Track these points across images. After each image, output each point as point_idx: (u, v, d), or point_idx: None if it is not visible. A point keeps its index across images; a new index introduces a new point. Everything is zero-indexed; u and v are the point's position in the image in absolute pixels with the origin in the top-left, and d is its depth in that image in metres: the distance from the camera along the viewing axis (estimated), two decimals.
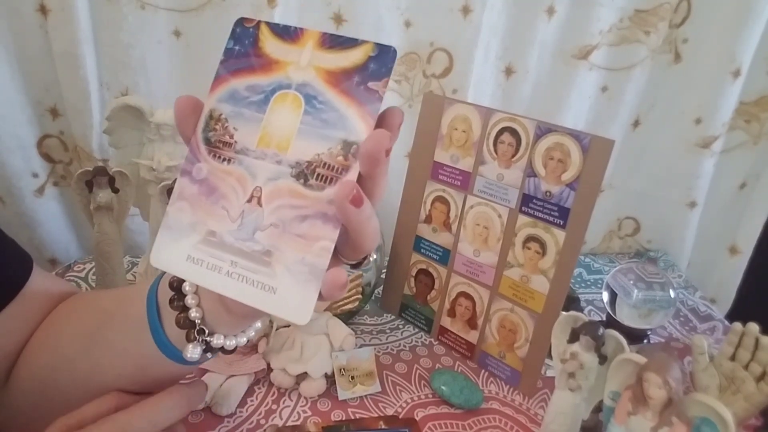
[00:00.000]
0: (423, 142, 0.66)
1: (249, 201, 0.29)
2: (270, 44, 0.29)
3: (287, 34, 0.29)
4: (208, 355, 0.36)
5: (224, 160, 0.29)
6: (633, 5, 0.77)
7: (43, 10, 0.64)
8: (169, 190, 0.61)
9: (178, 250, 0.29)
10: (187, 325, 0.35)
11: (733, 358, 0.51)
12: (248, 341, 0.38)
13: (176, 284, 0.35)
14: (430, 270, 0.69)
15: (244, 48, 0.30)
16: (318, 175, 0.28)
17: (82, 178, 0.61)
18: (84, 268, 0.77)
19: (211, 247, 0.29)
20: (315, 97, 0.28)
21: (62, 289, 0.47)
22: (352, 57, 0.28)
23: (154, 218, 0.68)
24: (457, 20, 0.73)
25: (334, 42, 0.29)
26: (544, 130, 0.58)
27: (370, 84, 0.28)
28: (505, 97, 0.81)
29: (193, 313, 0.34)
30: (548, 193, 0.58)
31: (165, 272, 0.37)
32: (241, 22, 0.30)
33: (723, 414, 0.39)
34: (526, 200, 0.60)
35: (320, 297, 0.28)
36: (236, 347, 0.37)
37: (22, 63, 0.67)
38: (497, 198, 0.62)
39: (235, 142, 0.29)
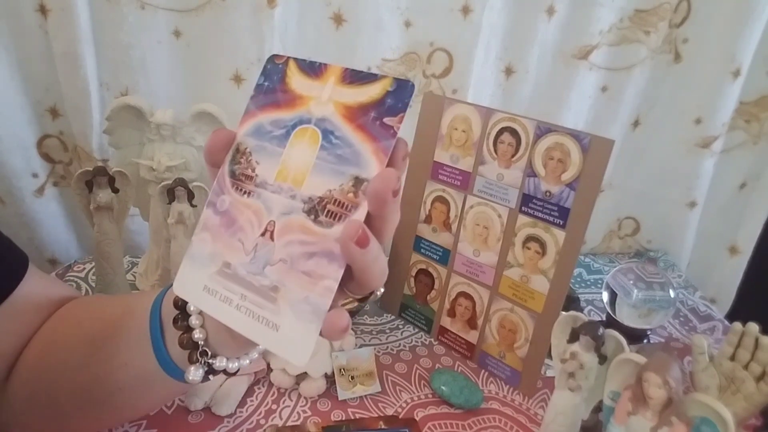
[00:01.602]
0: (423, 142, 0.66)
1: (263, 234, 0.29)
2: (296, 80, 0.30)
3: (312, 70, 0.30)
4: (210, 377, 0.36)
5: (245, 193, 0.29)
6: (633, 5, 0.77)
7: (43, 10, 0.64)
8: (170, 191, 0.61)
9: (198, 279, 0.30)
10: (190, 346, 0.34)
11: (732, 358, 0.51)
12: (250, 362, 0.37)
13: (180, 303, 0.35)
14: (430, 270, 0.69)
15: (273, 84, 0.30)
16: (328, 211, 0.27)
17: (82, 178, 0.61)
18: (84, 268, 0.77)
19: (225, 278, 0.29)
20: (332, 132, 0.28)
21: (62, 293, 0.46)
22: (371, 92, 0.28)
23: (154, 218, 0.68)
24: (457, 20, 0.73)
25: (355, 77, 0.28)
26: (544, 130, 0.58)
27: (386, 120, 0.27)
28: (505, 97, 0.81)
29: (197, 335, 0.34)
30: (548, 193, 0.58)
31: (170, 287, 0.37)
32: (272, 59, 0.31)
33: (723, 414, 0.39)
34: (526, 200, 0.60)
35: (321, 336, 0.27)
36: (238, 370, 0.36)
37: (22, 63, 0.67)
38: (497, 198, 0.62)
39: (256, 175, 0.29)
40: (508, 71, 0.79)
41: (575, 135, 0.56)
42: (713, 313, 0.82)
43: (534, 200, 0.59)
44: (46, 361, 0.42)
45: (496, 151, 0.61)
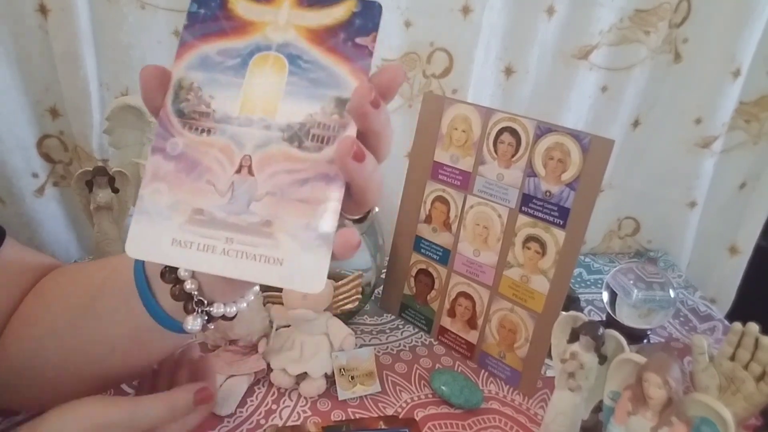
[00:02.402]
0: (423, 142, 0.66)
1: (238, 171, 0.27)
2: (241, 5, 0.28)
3: None
4: (210, 325, 0.35)
5: (203, 131, 0.27)
6: (633, 5, 0.77)
7: (43, 10, 0.64)
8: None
9: (161, 235, 0.27)
10: (183, 297, 0.34)
11: (732, 358, 0.50)
12: (247, 305, 0.36)
13: (178, 293, 0.34)
14: (430, 270, 0.69)
15: (211, 11, 0.28)
16: (313, 135, 0.27)
17: (82, 178, 0.61)
18: None
19: (199, 226, 0.27)
20: (299, 56, 0.27)
21: (42, 261, 0.46)
22: (335, 14, 0.27)
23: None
24: (457, 20, 0.73)
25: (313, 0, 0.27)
26: (543, 130, 0.58)
27: (358, 40, 0.27)
28: (505, 97, 0.81)
29: (189, 285, 0.33)
30: (548, 193, 0.58)
31: None
32: None
33: (723, 414, 0.39)
34: (526, 200, 0.60)
35: (333, 258, 0.27)
36: (237, 313, 0.35)
37: (22, 63, 0.67)
38: (497, 198, 0.62)
39: (214, 111, 0.27)
40: (508, 71, 0.79)
41: (575, 135, 0.56)
42: (713, 313, 0.82)
43: (534, 200, 0.59)
44: (33, 328, 0.42)
45: (496, 151, 0.61)
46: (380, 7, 0.27)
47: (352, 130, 0.26)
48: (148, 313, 0.35)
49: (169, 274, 0.33)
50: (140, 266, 0.36)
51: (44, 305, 0.42)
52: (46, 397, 0.42)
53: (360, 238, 0.27)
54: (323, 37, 0.27)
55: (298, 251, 0.26)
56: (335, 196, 0.26)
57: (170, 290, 0.34)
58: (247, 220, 0.27)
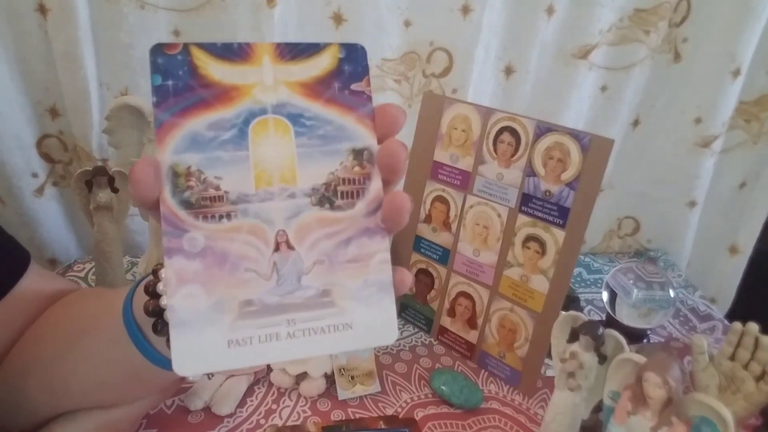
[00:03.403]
0: (423, 141, 0.66)
1: (276, 249, 0.25)
2: (215, 69, 0.25)
3: (232, 53, 0.25)
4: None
5: (221, 217, 0.25)
6: (633, 4, 0.77)
7: (42, 10, 0.64)
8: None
9: (212, 341, 0.24)
10: None
11: (732, 357, 0.51)
12: None
13: (152, 308, 0.32)
14: (430, 270, 0.69)
15: (182, 81, 0.25)
16: (342, 193, 0.26)
17: (82, 178, 0.61)
18: (84, 268, 0.77)
19: (254, 317, 0.25)
20: (300, 115, 0.26)
21: (59, 288, 0.46)
22: (322, 64, 0.26)
23: (153, 218, 0.68)
24: (457, 20, 0.73)
25: (293, 51, 0.26)
26: (543, 129, 0.58)
27: (353, 86, 0.26)
28: (505, 97, 0.81)
29: None
30: (548, 193, 0.58)
31: (137, 285, 0.35)
32: (159, 49, 0.25)
33: (723, 413, 0.39)
34: (526, 200, 0.60)
35: None
36: None
37: (22, 63, 0.67)
38: (497, 197, 0.62)
39: (226, 192, 0.25)
40: (508, 71, 0.79)
41: (575, 134, 0.56)
42: (713, 312, 0.82)
43: (534, 200, 0.59)
44: (19, 355, 0.42)
45: (495, 150, 0.61)
46: (364, 49, 0.26)
47: (377, 180, 0.26)
48: (141, 355, 0.35)
49: (162, 325, 0.32)
50: (129, 310, 0.35)
51: (35, 335, 0.42)
52: (32, 427, 0.42)
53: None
54: (318, 90, 0.26)
55: (364, 310, 0.26)
56: (382, 246, 0.26)
57: (166, 343, 0.33)
58: (303, 295, 0.25)
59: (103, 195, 0.61)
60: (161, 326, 0.32)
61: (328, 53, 0.26)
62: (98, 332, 0.38)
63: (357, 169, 0.26)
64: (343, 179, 0.26)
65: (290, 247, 0.25)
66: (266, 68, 0.25)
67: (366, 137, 0.26)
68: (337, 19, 0.72)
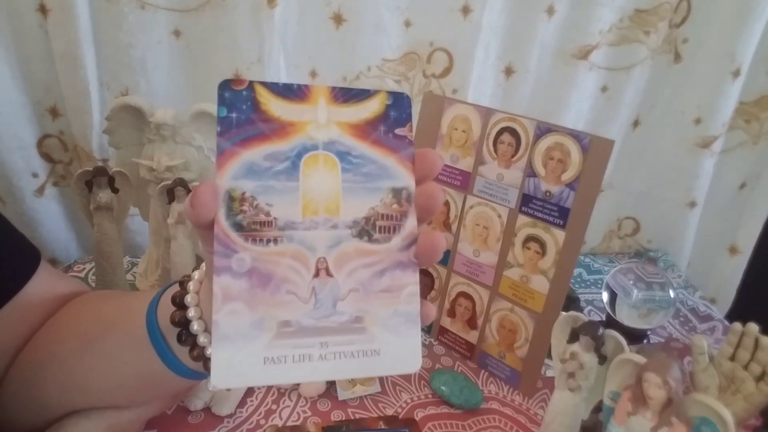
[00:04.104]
0: (423, 142, 0.66)
1: (316, 275, 0.27)
2: (276, 106, 0.27)
3: (291, 92, 0.28)
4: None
5: (268, 241, 0.27)
6: (633, 5, 0.77)
7: (43, 10, 0.64)
8: (169, 191, 0.61)
9: (250, 357, 0.26)
10: (202, 357, 0.34)
11: (732, 358, 0.50)
12: None
13: (178, 319, 0.33)
14: (430, 270, 0.69)
15: (244, 114, 0.27)
16: (380, 227, 0.28)
17: (82, 178, 0.61)
18: (84, 268, 0.77)
19: (290, 338, 0.26)
20: (348, 153, 0.28)
21: (70, 289, 0.46)
22: (371, 108, 0.28)
23: (154, 218, 0.68)
24: (457, 20, 0.73)
25: (346, 95, 0.28)
26: (543, 130, 0.58)
27: (397, 131, 0.28)
28: (505, 97, 0.81)
29: (209, 351, 0.33)
30: (548, 193, 0.58)
31: (162, 293, 0.36)
32: (227, 85, 0.27)
33: (723, 414, 0.39)
34: (526, 200, 0.60)
35: None
36: None
37: (22, 63, 0.67)
38: (497, 198, 0.62)
39: (275, 219, 0.27)
40: (508, 71, 0.79)
41: (575, 135, 0.56)
42: (713, 313, 0.82)
43: (534, 200, 0.59)
44: (35, 352, 0.42)
45: (496, 151, 0.61)
46: (409, 98, 0.29)
47: (413, 218, 0.28)
48: (162, 361, 0.35)
49: (186, 336, 0.34)
50: (153, 317, 0.36)
51: (53, 331, 0.43)
52: (43, 424, 0.42)
53: (435, 309, 0.29)
54: (366, 131, 0.28)
55: (392, 339, 0.27)
56: (413, 279, 0.28)
57: (189, 353, 0.34)
58: (338, 320, 0.27)
59: (104, 195, 0.61)
60: (186, 336, 0.34)
61: (377, 99, 0.28)
62: (119, 335, 0.39)
63: (395, 206, 0.28)
64: (382, 215, 0.28)
65: (329, 274, 0.27)
66: (321, 108, 0.28)
67: (405, 178, 0.28)
68: (338, 19, 0.72)
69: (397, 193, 0.28)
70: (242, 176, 0.27)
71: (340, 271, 0.27)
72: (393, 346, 0.27)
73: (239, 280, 0.26)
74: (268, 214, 0.27)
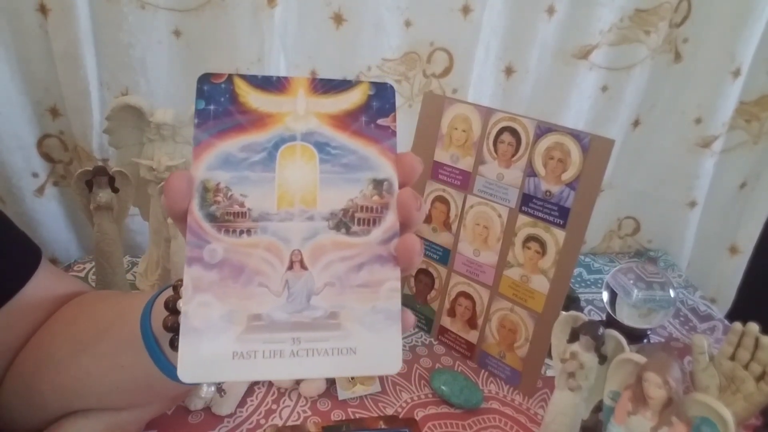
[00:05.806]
0: (423, 141, 0.66)
1: (290, 268, 0.26)
2: (254, 98, 0.27)
3: (270, 84, 0.27)
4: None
5: (242, 232, 0.26)
6: (633, 5, 0.77)
7: (43, 9, 0.64)
8: None
9: (219, 350, 0.25)
10: None
11: (732, 357, 0.51)
12: None
13: (171, 324, 0.33)
14: (430, 270, 0.69)
15: (222, 106, 0.27)
16: (359, 219, 0.27)
17: (82, 177, 0.61)
18: (84, 268, 0.77)
19: (260, 332, 0.25)
20: (326, 143, 0.27)
21: (71, 288, 0.46)
22: (352, 98, 0.28)
23: (154, 218, 0.68)
24: (457, 20, 0.73)
25: (326, 86, 0.28)
26: (544, 129, 0.58)
27: (379, 121, 0.28)
28: (505, 97, 0.81)
29: None
30: (548, 193, 0.58)
31: (157, 297, 0.36)
32: (207, 78, 0.27)
33: (723, 414, 0.39)
34: (526, 200, 0.60)
35: None
36: None
37: (22, 63, 0.67)
38: (497, 198, 0.62)
39: (249, 210, 0.26)
40: (508, 71, 0.79)
41: (575, 135, 0.56)
42: (713, 313, 0.82)
43: (534, 200, 0.59)
44: (33, 352, 0.42)
45: (496, 150, 0.61)
46: (392, 88, 0.28)
47: (394, 210, 0.27)
48: (155, 366, 0.35)
49: (178, 341, 0.33)
50: (147, 322, 0.35)
51: (51, 333, 0.43)
52: (42, 424, 0.42)
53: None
54: (345, 122, 0.28)
55: (369, 337, 0.26)
56: (393, 274, 0.27)
57: None
58: (311, 315, 0.26)
59: (104, 195, 0.61)
60: (178, 342, 0.33)
61: (359, 90, 0.28)
62: (114, 338, 0.38)
63: (376, 198, 0.27)
64: (362, 207, 0.27)
65: (303, 267, 0.26)
66: (300, 99, 0.27)
67: (387, 169, 0.27)
68: (338, 19, 0.72)
69: (378, 184, 0.27)
70: (217, 167, 0.26)
71: (315, 264, 0.26)
72: (370, 344, 0.26)
73: (210, 271, 0.26)
74: (242, 204, 0.26)
